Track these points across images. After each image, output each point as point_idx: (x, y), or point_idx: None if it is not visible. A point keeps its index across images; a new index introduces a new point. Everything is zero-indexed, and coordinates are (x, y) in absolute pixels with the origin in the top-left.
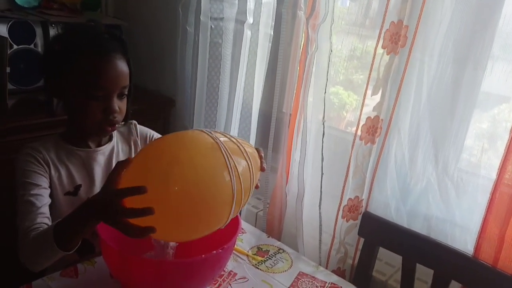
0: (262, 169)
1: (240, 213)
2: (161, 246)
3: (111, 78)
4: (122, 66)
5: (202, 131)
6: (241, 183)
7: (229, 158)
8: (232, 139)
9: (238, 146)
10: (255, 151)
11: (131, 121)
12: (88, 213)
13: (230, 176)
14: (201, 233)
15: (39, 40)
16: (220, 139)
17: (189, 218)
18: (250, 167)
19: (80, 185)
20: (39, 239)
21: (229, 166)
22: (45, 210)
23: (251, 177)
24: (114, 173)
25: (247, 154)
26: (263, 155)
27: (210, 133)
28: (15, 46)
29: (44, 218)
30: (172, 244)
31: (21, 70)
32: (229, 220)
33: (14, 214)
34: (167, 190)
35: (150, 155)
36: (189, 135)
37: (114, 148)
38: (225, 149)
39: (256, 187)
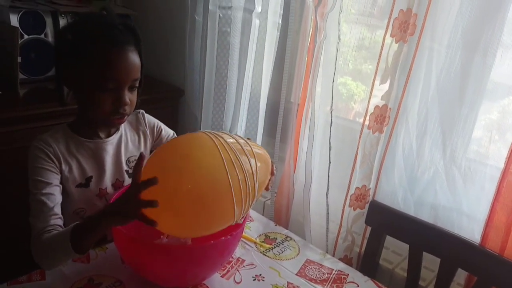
0: (272, 172)
1: None
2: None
3: (123, 70)
4: (134, 58)
5: (209, 133)
6: (246, 182)
7: (234, 157)
8: (240, 140)
9: (242, 147)
10: (266, 153)
11: (139, 110)
12: (108, 219)
13: (234, 175)
14: (210, 229)
15: (49, 30)
16: (227, 140)
17: (197, 214)
18: (256, 167)
19: (91, 177)
20: (54, 241)
21: (234, 164)
22: (57, 210)
23: (254, 178)
24: (137, 169)
25: (253, 154)
26: (275, 168)
27: (217, 135)
28: (25, 36)
29: (57, 219)
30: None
31: (31, 60)
32: (239, 216)
33: (27, 202)
34: (180, 187)
35: (163, 155)
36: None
37: (122, 137)
38: (230, 150)
39: (266, 188)
